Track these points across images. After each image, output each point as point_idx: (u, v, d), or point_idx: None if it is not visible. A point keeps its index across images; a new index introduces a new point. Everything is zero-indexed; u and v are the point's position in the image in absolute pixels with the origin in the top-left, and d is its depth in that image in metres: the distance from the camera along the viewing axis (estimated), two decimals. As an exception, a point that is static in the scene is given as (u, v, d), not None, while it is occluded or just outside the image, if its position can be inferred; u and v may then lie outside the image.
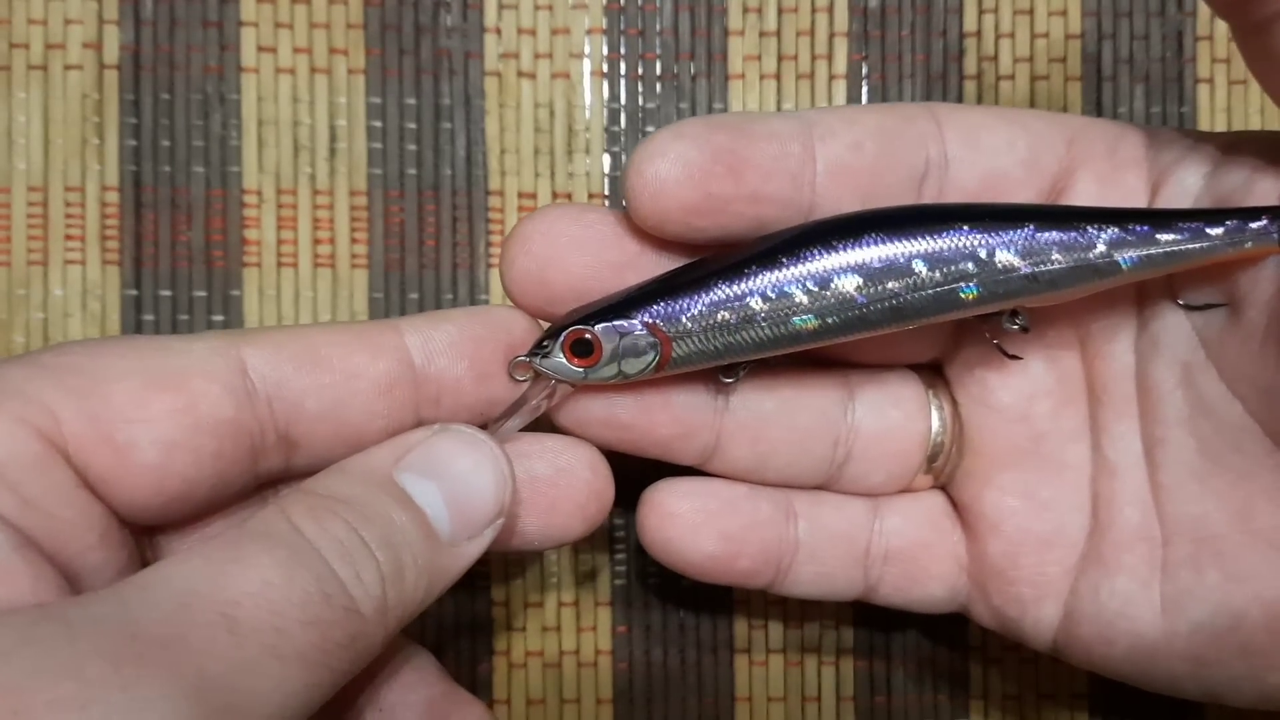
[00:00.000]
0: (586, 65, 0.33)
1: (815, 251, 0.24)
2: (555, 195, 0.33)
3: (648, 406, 0.26)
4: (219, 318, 0.32)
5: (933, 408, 0.28)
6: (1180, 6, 0.33)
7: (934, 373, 0.29)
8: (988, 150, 0.25)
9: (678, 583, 0.32)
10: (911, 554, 0.28)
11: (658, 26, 0.33)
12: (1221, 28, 0.33)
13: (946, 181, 0.25)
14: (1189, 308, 0.25)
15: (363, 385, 0.24)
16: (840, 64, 0.33)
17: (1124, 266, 0.24)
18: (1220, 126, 0.33)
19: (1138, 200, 0.25)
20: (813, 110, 0.25)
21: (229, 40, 0.32)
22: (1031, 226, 0.24)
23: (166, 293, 0.32)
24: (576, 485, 0.25)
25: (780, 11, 0.33)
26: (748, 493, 0.27)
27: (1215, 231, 0.23)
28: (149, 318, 0.32)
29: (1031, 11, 0.33)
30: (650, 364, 0.24)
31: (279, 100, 0.32)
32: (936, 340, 0.28)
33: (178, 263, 0.32)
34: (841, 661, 0.33)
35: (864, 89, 0.33)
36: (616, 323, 0.24)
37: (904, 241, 0.24)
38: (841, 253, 0.24)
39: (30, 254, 0.32)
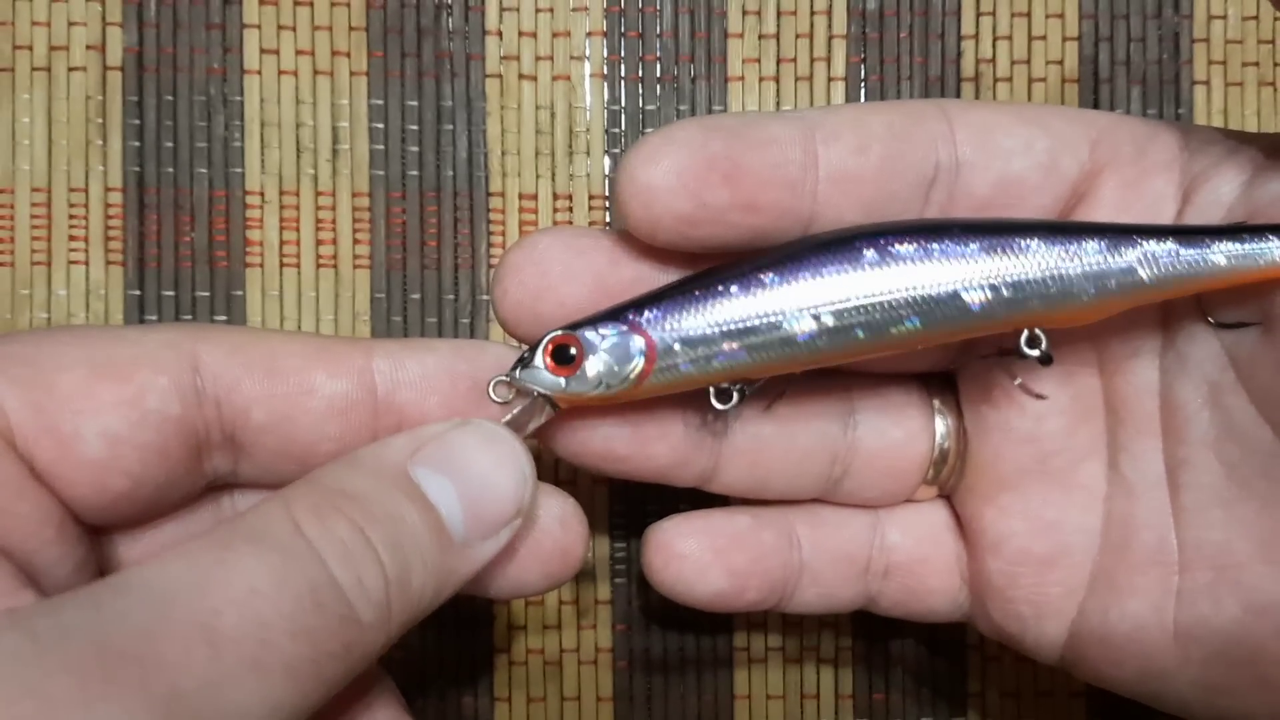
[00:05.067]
0: (587, 67, 0.33)
1: (815, 262, 0.22)
2: (556, 196, 0.33)
3: (644, 438, 0.25)
4: (222, 318, 0.32)
5: (938, 420, 0.27)
6: (1177, 9, 0.33)
7: (943, 382, 0.27)
8: (1002, 153, 0.23)
9: (677, 581, 0.32)
10: (911, 568, 0.27)
11: (658, 29, 0.33)
12: (1218, 30, 0.33)
13: (956, 187, 0.24)
14: (1220, 325, 0.23)
15: (315, 403, 0.22)
16: (839, 66, 0.33)
17: (1148, 282, 0.23)
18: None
19: (1166, 208, 0.24)
20: (816, 110, 0.23)
21: (232, 42, 0.32)
22: (1049, 239, 0.22)
23: (169, 293, 0.32)
24: (539, 538, 0.24)
25: (779, 14, 0.33)
26: (751, 524, 0.26)
27: (1246, 248, 0.22)
28: (152, 318, 0.32)
29: (1029, 14, 0.33)
30: (635, 369, 0.23)
31: (281, 102, 0.32)
32: (948, 350, 0.26)
33: (181, 263, 0.32)
34: (840, 660, 0.33)
35: (862, 91, 0.33)
36: (600, 326, 0.23)
37: (915, 255, 0.22)
38: (845, 265, 0.22)
39: (34, 254, 0.32)
